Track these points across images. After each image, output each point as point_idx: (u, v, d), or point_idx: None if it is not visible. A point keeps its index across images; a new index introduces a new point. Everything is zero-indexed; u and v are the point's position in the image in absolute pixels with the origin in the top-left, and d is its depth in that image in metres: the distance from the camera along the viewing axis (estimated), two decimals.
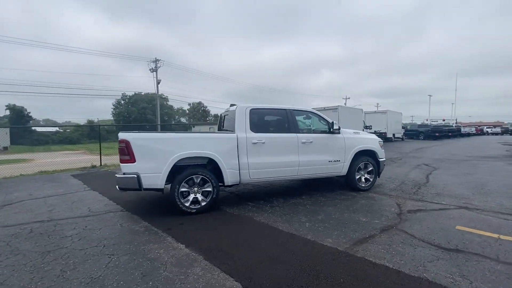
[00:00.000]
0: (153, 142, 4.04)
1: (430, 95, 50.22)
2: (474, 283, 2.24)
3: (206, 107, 79.86)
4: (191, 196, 4.18)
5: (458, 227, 3.47)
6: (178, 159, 4.04)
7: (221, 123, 5.69)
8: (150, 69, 31.24)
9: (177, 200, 4.06)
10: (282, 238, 3.26)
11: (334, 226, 3.59)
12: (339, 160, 5.26)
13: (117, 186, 4.07)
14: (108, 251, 2.97)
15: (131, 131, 4.76)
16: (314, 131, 5.28)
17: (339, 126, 5.19)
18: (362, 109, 19.14)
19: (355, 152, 5.39)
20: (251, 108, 4.73)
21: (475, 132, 40.21)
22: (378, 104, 71.01)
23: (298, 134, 4.92)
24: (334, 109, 16.94)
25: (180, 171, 4.11)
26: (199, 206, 4.20)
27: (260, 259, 2.73)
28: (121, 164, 4.00)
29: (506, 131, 44.11)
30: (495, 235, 3.19)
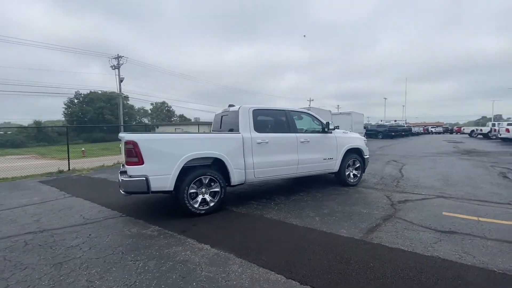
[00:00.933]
0: (162, 143, 3.92)
1: (385, 98, 55.04)
2: (476, 257, 2.67)
3: (171, 107, 76.93)
4: (200, 197, 4.14)
5: (444, 213, 4.01)
6: (188, 160, 3.98)
7: (219, 124, 5.67)
8: (111, 66, 29.15)
9: (186, 201, 3.99)
10: (301, 232, 3.44)
11: (341, 219, 3.88)
12: (332, 158, 5.64)
13: (121, 190, 3.85)
14: (130, 257, 2.84)
15: (134, 132, 4.52)
16: (310, 131, 5.56)
17: (334, 127, 5.56)
18: (330, 111, 20.35)
19: (345, 150, 5.81)
20: (253, 108, 4.83)
21: (422, 131, 45.25)
22: (338, 106, 75.44)
23: (297, 134, 5.16)
24: (347, 114, 18.09)
25: (187, 172, 4.05)
26: (208, 206, 4.17)
27: (290, 252, 2.87)
28: (127, 166, 3.80)
29: (446, 130, 50.57)
30: (475, 218, 3.78)
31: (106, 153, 20.99)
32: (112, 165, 10.53)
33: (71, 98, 55.86)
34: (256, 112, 4.85)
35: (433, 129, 49.70)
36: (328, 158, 5.57)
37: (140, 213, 4.34)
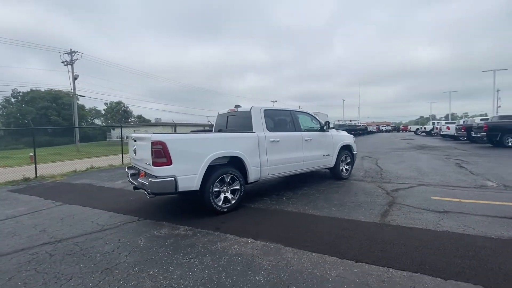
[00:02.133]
0: (189, 142, 3.91)
1: (343, 100, 59.22)
2: (476, 228, 3.31)
3: (127, 108, 71.90)
4: (222, 196, 4.22)
5: (432, 197, 4.74)
6: (213, 159, 4.04)
7: (224, 124, 5.73)
8: (63, 62, 26.29)
9: (211, 200, 4.04)
10: (327, 221, 3.79)
11: (354, 208, 4.34)
12: (330, 154, 6.14)
13: (147, 191, 3.75)
14: (181, 256, 2.86)
15: (161, 132, 4.36)
16: (311, 130, 5.98)
17: (332, 126, 6.06)
18: (327, 114, 21.42)
19: (340, 147, 6.38)
20: (264, 109, 5.05)
21: (375, 130, 49.98)
22: (299, 106, 78.86)
23: (302, 133, 5.53)
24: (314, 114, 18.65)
25: (210, 172, 4.10)
26: (230, 204, 4.28)
27: (329, 238, 3.18)
28: (154, 167, 3.70)
29: (394, 129, 56.69)
30: (457, 200, 4.56)
31: (60, 158, 18.95)
32: (85, 170, 9.69)
33: (7, 97, 48.72)
34: (267, 112, 5.08)
35: (383, 128, 55.20)
36: (327, 155, 6.06)
37: (157, 216, 4.24)
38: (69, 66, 26.35)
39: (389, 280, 2.30)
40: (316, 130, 5.99)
